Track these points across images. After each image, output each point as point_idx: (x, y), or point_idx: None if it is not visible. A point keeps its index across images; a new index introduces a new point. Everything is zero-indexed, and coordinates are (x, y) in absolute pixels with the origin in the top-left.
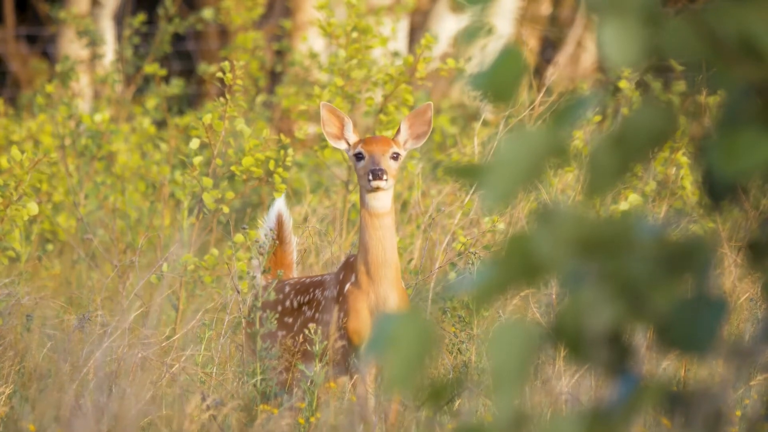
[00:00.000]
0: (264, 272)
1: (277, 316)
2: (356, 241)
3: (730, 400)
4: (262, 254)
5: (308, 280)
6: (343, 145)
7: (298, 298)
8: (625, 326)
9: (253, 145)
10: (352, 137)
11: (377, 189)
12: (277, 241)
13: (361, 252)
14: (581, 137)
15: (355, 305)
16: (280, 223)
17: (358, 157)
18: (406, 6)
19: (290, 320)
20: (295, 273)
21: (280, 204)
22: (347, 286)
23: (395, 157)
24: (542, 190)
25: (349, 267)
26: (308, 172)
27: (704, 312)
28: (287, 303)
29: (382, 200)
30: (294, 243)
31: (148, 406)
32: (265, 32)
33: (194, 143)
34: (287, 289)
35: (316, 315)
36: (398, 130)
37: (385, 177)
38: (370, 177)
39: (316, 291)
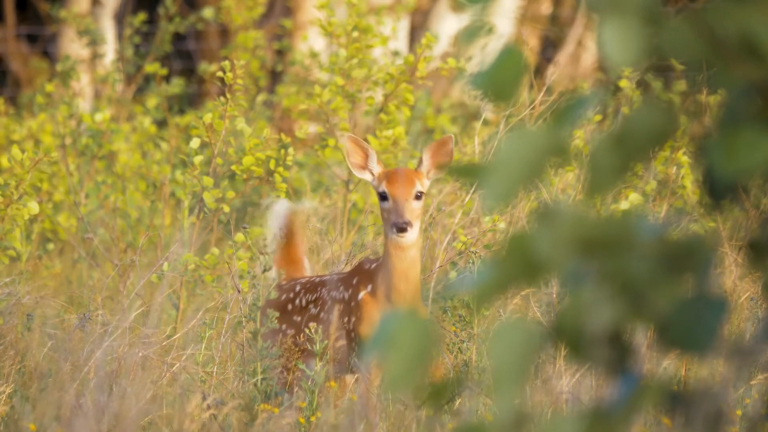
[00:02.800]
0: (264, 271)
1: (278, 315)
2: (356, 240)
3: (730, 399)
4: (263, 254)
5: (317, 279)
6: (367, 176)
7: (307, 296)
8: (625, 326)
9: (253, 145)
10: (377, 168)
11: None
12: (280, 240)
13: (383, 276)
14: (582, 136)
15: (369, 314)
16: (286, 223)
17: (382, 196)
18: (407, 5)
19: (298, 319)
20: (307, 267)
21: (279, 206)
22: (362, 293)
23: (419, 196)
24: (543, 190)
25: (365, 274)
26: (309, 171)
27: (705, 311)
28: (297, 302)
29: (408, 235)
30: (303, 238)
31: (149, 406)
32: (266, 32)
33: (195, 142)
34: (298, 287)
35: (321, 314)
36: (420, 161)
37: (409, 229)
38: (395, 230)
39: (323, 290)
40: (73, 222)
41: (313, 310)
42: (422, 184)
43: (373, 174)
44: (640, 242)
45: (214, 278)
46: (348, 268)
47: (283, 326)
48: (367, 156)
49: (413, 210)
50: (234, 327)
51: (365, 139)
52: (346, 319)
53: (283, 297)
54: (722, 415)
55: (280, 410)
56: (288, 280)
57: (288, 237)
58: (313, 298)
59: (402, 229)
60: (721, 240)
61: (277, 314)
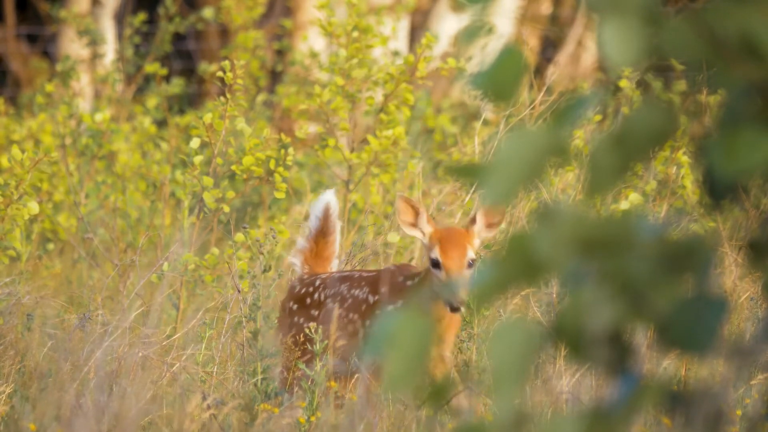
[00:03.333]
0: (264, 271)
1: (281, 312)
2: (356, 240)
3: (730, 399)
4: (261, 253)
5: (338, 274)
6: (418, 234)
7: (326, 291)
8: (625, 326)
9: (253, 145)
10: (427, 228)
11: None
12: (314, 232)
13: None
14: (582, 136)
15: None
16: (326, 215)
17: (435, 264)
18: (407, 5)
19: (316, 313)
20: (335, 265)
21: (329, 196)
22: (391, 306)
23: (471, 264)
24: (543, 190)
25: (397, 288)
26: (309, 171)
27: (705, 311)
28: (315, 296)
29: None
30: (338, 235)
31: (149, 406)
32: (266, 31)
33: (195, 142)
34: (318, 282)
35: (339, 310)
36: (474, 220)
37: (464, 306)
38: (448, 308)
39: (342, 286)
40: (73, 222)
41: (330, 305)
42: (473, 248)
43: (423, 233)
44: (640, 242)
45: (214, 278)
46: (347, 266)
47: (301, 319)
48: (417, 215)
49: (466, 281)
50: (234, 327)
51: (365, 139)
52: (368, 322)
53: (303, 290)
54: (722, 415)
55: (280, 410)
56: (310, 274)
57: (323, 231)
58: (332, 293)
59: (455, 309)
60: (721, 240)
61: (293, 308)
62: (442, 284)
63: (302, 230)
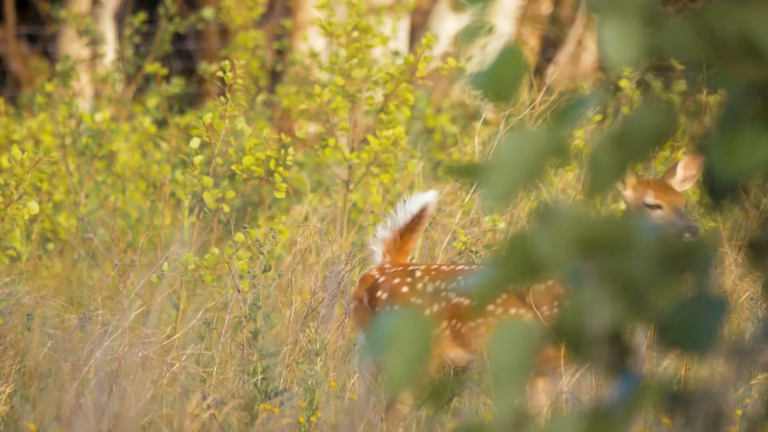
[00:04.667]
0: (264, 271)
1: (356, 303)
2: (356, 240)
3: (730, 399)
4: (262, 253)
5: (446, 267)
6: (619, 185)
7: (440, 284)
8: (625, 325)
9: (253, 145)
10: (630, 179)
11: None
12: (401, 225)
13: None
14: (582, 136)
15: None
16: (421, 213)
17: (653, 207)
18: (407, 5)
19: (419, 302)
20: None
21: (431, 196)
22: (513, 310)
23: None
24: (543, 190)
25: (515, 294)
26: (309, 171)
27: (705, 311)
28: (419, 285)
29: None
30: (422, 232)
31: (149, 405)
32: (266, 31)
33: (195, 142)
34: (418, 273)
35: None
36: (674, 172)
37: (697, 229)
38: (689, 234)
39: (461, 278)
40: (73, 222)
41: (456, 299)
42: None
43: (625, 183)
44: (640, 242)
45: (214, 278)
46: (347, 266)
47: (396, 307)
48: None
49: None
50: (234, 327)
51: (365, 139)
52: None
53: (397, 280)
54: (722, 415)
55: (280, 410)
56: (393, 265)
57: (412, 227)
58: (454, 285)
59: (695, 233)
60: (721, 240)
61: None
62: (668, 221)
63: (387, 219)
